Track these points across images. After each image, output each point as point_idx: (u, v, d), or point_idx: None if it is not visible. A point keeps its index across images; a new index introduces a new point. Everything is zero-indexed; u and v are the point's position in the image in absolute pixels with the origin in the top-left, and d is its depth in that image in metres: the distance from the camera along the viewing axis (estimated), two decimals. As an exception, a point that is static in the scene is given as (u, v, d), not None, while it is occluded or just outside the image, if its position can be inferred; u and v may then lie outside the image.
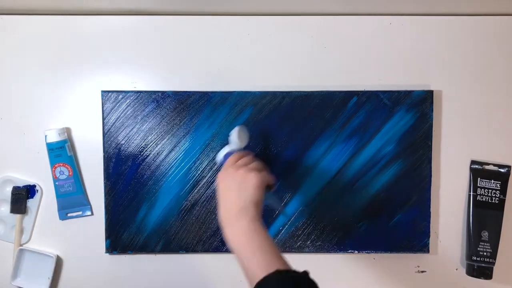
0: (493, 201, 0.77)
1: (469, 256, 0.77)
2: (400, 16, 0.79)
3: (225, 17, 0.79)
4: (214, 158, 0.77)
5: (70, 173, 0.77)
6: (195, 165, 0.77)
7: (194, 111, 0.77)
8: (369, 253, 0.78)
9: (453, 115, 0.79)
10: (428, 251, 0.78)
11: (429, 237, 0.78)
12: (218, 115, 0.77)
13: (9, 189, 0.78)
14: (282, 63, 0.79)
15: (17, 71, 0.79)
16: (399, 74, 0.79)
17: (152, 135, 0.77)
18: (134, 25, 0.79)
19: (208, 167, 0.77)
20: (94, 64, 0.79)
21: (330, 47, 0.79)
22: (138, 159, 0.77)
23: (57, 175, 0.77)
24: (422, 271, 0.80)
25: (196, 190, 0.77)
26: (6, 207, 0.79)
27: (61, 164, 0.77)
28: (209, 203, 0.78)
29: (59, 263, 0.79)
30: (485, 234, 0.77)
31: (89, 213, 0.79)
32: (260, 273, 0.52)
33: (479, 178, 0.78)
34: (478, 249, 0.76)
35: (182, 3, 0.77)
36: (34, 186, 0.78)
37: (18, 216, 0.78)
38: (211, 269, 0.80)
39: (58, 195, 0.78)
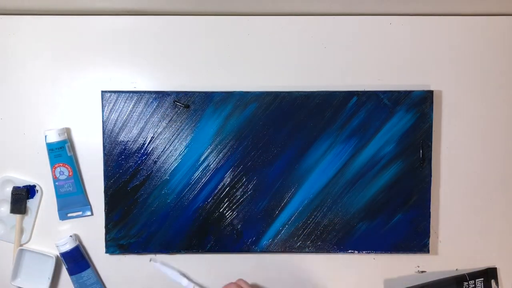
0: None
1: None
2: (400, 16, 0.79)
3: (225, 17, 0.79)
4: (215, 159, 0.77)
5: (70, 173, 0.77)
6: (197, 165, 0.77)
7: (195, 111, 0.77)
8: (369, 253, 0.78)
9: (453, 115, 0.79)
10: (428, 251, 0.78)
11: (429, 237, 0.78)
12: (220, 115, 0.77)
13: (9, 189, 0.78)
14: (282, 63, 0.79)
15: (17, 71, 0.79)
16: (399, 74, 0.79)
17: (152, 135, 0.77)
18: (134, 25, 0.79)
19: (210, 168, 0.77)
20: (94, 64, 0.79)
21: (330, 47, 0.79)
22: (139, 159, 0.77)
23: (57, 175, 0.77)
24: (422, 271, 0.80)
25: (197, 190, 0.77)
26: (6, 207, 0.78)
27: (61, 164, 0.77)
28: (210, 203, 0.78)
29: (59, 263, 0.79)
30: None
31: (89, 213, 0.79)
32: None
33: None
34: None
35: (182, 3, 0.77)
36: (34, 186, 0.78)
37: (18, 216, 0.78)
38: (211, 269, 0.80)
39: (58, 195, 0.78)
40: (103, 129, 0.77)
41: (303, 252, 0.78)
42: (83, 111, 0.79)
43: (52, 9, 0.79)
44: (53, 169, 0.77)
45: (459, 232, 0.80)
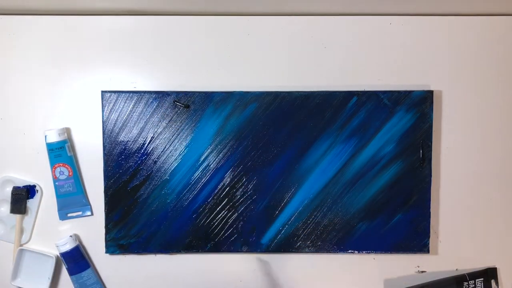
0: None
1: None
2: (400, 16, 0.79)
3: (225, 17, 0.79)
4: (215, 159, 0.77)
5: (70, 173, 0.77)
6: (197, 165, 0.77)
7: (195, 111, 0.77)
8: (369, 253, 0.78)
9: (453, 115, 0.79)
10: (428, 251, 0.78)
11: (429, 237, 0.78)
12: (220, 115, 0.77)
13: (9, 189, 0.78)
14: (282, 63, 0.79)
15: (17, 71, 0.79)
16: (399, 74, 0.79)
17: (152, 135, 0.77)
18: (134, 25, 0.79)
19: (210, 168, 0.77)
20: (94, 64, 0.79)
21: (330, 47, 0.79)
22: (139, 159, 0.77)
23: (57, 175, 0.77)
24: (422, 271, 0.80)
25: (197, 190, 0.77)
26: (6, 207, 0.78)
27: (61, 164, 0.77)
28: (210, 203, 0.78)
29: (59, 263, 0.79)
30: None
31: (89, 213, 0.79)
32: None
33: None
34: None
35: (182, 3, 0.77)
36: (34, 186, 0.78)
37: (18, 216, 0.78)
38: (211, 269, 0.80)
39: (58, 195, 0.78)
40: (103, 129, 0.77)
41: (303, 252, 0.78)
42: (83, 111, 0.79)
43: (52, 9, 0.79)
44: (53, 169, 0.77)
45: (459, 232, 0.80)
